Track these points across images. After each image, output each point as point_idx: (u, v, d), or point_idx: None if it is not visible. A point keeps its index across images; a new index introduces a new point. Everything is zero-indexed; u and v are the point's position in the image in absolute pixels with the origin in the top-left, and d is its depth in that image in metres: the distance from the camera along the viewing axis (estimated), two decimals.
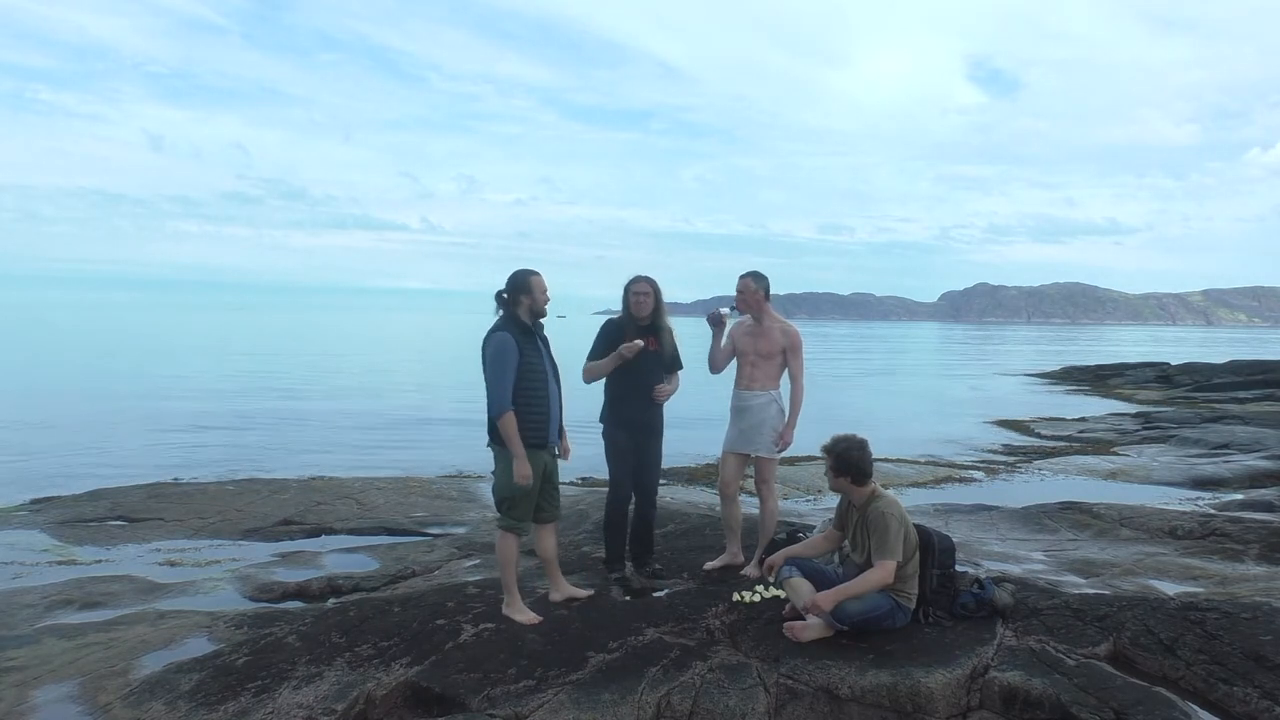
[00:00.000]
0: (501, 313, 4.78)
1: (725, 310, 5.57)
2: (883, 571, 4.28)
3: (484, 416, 4.71)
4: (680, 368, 5.50)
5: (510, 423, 4.59)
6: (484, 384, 4.69)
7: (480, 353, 4.70)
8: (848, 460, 4.45)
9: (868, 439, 4.55)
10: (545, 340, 4.88)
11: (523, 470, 4.63)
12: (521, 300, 4.75)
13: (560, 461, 5.05)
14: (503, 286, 4.79)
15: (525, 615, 4.69)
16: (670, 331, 5.45)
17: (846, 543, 4.69)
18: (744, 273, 5.55)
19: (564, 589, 5.06)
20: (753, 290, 5.51)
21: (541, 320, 4.86)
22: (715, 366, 5.70)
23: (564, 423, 4.97)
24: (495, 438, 4.72)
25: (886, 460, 11.88)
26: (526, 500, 4.76)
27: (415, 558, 6.89)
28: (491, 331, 4.70)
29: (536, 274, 4.80)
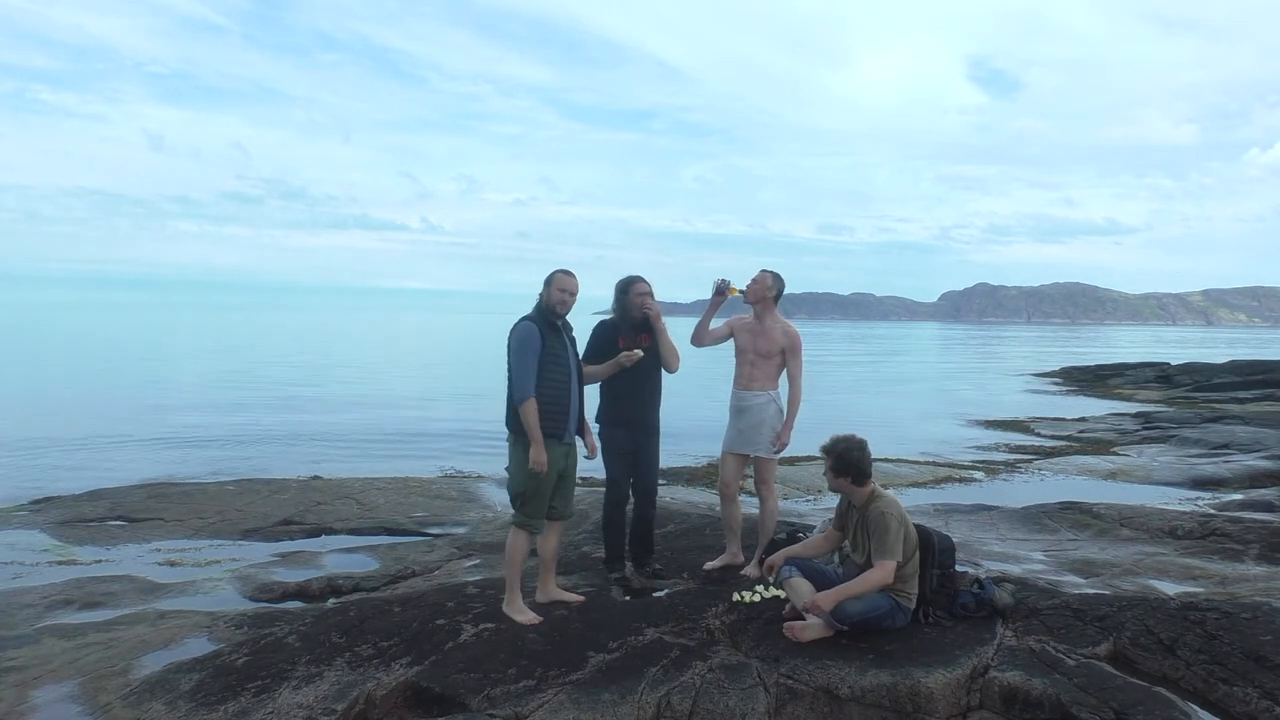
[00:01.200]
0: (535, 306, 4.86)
1: (734, 286, 5.52)
2: (883, 571, 4.28)
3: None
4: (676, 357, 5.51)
5: (531, 409, 4.62)
6: (506, 375, 4.74)
7: (506, 343, 4.77)
8: (847, 460, 4.46)
9: (867, 439, 4.56)
10: (572, 339, 4.94)
11: (538, 456, 4.63)
12: (542, 294, 4.83)
13: (583, 459, 5.08)
14: None
15: (525, 615, 4.69)
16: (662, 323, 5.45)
17: (846, 543, 4.69)
18: (766, 268, 5.60)
19: (551, 591, 5.02)
20: (766, 285, 5.53)
21: (566, 318, 4.90)
22: (698, 338, 5.68)
23: (586, 420, 5.05)
24: (514, 427, 4.75)
25: (886, 460, 11.88)
26: (540, 496, 4.77)
27: (415, 558, 6.89)
28: (517, 322, 4.77)
29: (562, 273, 4.85)
